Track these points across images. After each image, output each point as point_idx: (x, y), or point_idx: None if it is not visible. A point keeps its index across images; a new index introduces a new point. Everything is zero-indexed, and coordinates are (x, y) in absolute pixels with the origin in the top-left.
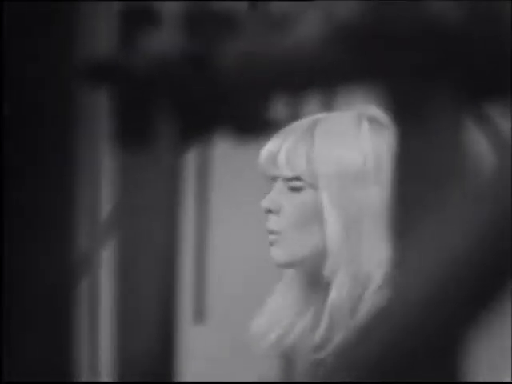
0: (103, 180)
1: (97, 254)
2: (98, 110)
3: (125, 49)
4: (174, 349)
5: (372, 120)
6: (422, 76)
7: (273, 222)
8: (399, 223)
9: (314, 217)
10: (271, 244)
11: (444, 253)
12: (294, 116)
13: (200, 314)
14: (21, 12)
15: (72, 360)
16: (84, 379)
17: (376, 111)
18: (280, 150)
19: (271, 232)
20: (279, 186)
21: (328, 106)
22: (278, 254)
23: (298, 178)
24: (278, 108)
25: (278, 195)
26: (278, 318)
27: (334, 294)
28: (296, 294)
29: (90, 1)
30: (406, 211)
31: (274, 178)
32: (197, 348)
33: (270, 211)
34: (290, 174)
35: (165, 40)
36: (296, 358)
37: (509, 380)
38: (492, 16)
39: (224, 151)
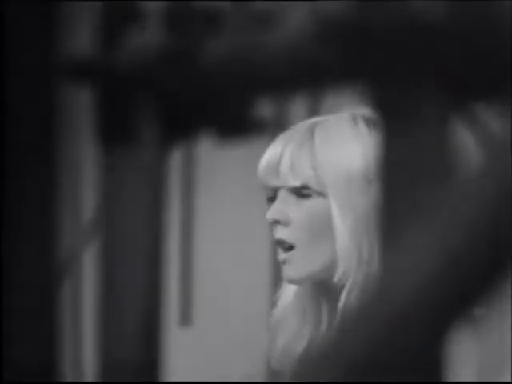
0: (87, 180)
1: (80, 255)
2: (81, 110)
3: (107, 48)
4: (160, 350)
5: (367, 120)
6: (409, 76)
7: (283, 233)
8: (386, 223)
9: (324, 225)
10: (284, 262)
11: (430, 252)
12: (280, 116)
13: (186, 316)
14: (3, 11)
15: (56, 360)
16: (68, 380)
17: (367, 111)
18: (281, 159)
19: (282, 243)
20: (283, 195)
21: (314, 107)
22: (292, 271)
23: (304, 187)
24: (264, 108)
25: (284, 205)
26: (288, 329)
27: (345, 298)
28: (304, 304)
29: (75, 0)
30: (393, 211)
31: (276, 189)
32: (183, 350)
33: (278, 222)
34: (295, 184)
35: (148, 39)
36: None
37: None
38: (481, 16)
39: (208, 151)
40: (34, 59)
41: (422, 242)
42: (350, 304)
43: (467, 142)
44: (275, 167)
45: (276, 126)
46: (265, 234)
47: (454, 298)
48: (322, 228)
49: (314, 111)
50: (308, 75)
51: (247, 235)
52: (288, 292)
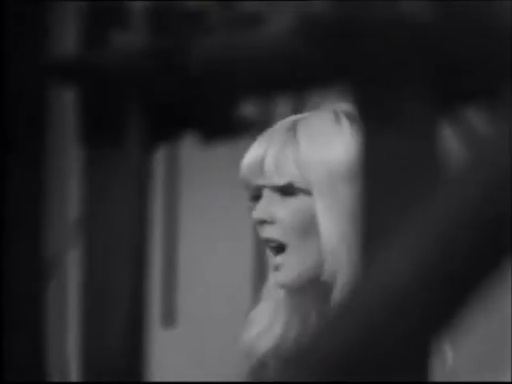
0: (71, 180)
1: (65, 255)
2: (67, 110)
3: (93, 48)
4: (143, 352)
5: (349, 116)
6: (394, 76)
7: (271, 232)
8: (368, 222)
9: (310, 223)
10: (277, 268)
11: (413, 251)
12: (265, 116)
13: (170, 318)
14: None
15: (42, 361)
16: (53, 380)
17: (348, 107)
18: (265, 157)
19: (271, 242)
20: (268, 194)
21: (299, 106)
22: (285, 275)
23: (290, 186)
24: (248, 108)
25: (269, 204)
26: (267, 328)
27: (337, 296)
28: (288, 303)
29: (60, 0)
30: (374, 210)
31: (259, 188)
32: (167, 351)
33: (264, 222)
34: (280, 182)
35: (133, 39)
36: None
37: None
38: (467, 15)
39: (192, 151)
40: (21, 60)
41: (405, 242)
42: (340, 302)
43: (453, 144)
44: (259, 166)
45: (261, 126)
46: (248, 234)
47: (443, 297)
48: (309, 226)
49: (298, 110)
50: (293, 74)
51: (231, 236)
52: (269, 292)
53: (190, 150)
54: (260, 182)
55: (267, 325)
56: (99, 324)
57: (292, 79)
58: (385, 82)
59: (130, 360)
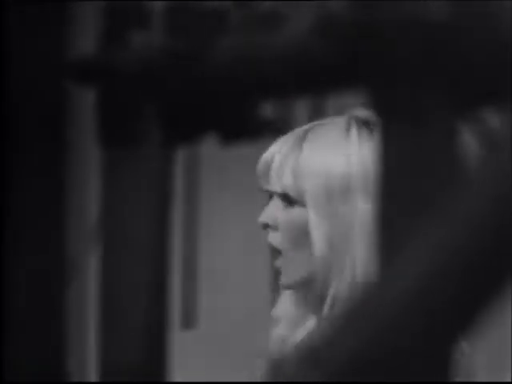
0: (91, 180)
1: (85, 256)
2: (86, 111)
3: (111, 48)
4: (164, 353)
5: (363, 124)
6: (413, 78)
7: (272, 238)
8: (386, 224)
9: (304, 233)
10: (278, 271)
11: (432, 253)
12: (284, 117)
13: (190, 318)
14: (10, 13)
15: (61, 360)
16: (73, 380)
17: (367, 114)
18: (271, 164)
19: (271, 247)
20: (275, 199)
21: (318, 107)
22: (284, 277)
23: (285, 194)
24: (268, 109)
25: (274, 210)
26: (286, 321)
27: (328, 307)
28: (295, 310)
29: (78, 0)
30: (393, 212)
31: (271, 192)
32: (187, 352)
33: (267, 226)
34: (278, 190)
35: (152, 39)
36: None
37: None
38: (486, 17)
39: (213, 151)
40: (40, 60)
41: (423, 245)
42: (332, 313)
43: (471, 145)
44: (267, 172)
45: (280, 127)
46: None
47: (455, 302)
48: (303, 236)
49: (318, 112)
50: (312, 75)
51: (250, 236)
52: (283, 299)
53: (211, 151)
54: (267, 187)
55: (284, 325)
56: (119, 324)
57: (311, 80)
58: (403, 84)
59: (150, 360)
